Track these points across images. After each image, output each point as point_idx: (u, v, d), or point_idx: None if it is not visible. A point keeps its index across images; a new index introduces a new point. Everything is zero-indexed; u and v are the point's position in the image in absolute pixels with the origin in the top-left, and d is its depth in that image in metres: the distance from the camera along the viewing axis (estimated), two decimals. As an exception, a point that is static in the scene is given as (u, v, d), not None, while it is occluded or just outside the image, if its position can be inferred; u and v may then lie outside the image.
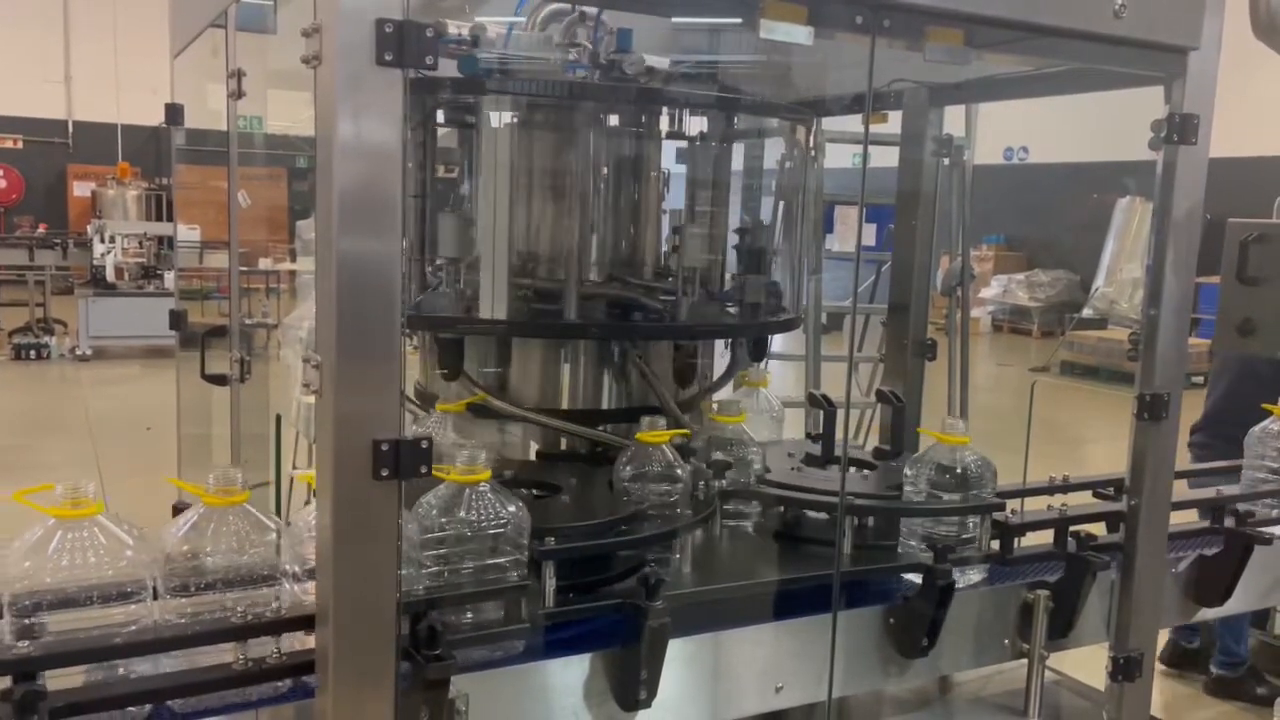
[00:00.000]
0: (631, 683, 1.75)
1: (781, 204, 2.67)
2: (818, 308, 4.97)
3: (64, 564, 1.50)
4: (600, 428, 2.32)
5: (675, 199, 2.46)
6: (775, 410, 2.62)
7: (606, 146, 2.33)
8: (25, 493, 1.54)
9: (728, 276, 2.49)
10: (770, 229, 2.58)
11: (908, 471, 2.21)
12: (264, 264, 10.17)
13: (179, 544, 1.59)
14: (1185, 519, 2.48)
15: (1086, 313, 13.62)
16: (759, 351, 2.55)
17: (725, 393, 2.58)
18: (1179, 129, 2.05)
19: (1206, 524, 2.55)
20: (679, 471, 2.02)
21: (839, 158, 4.02)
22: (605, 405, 2.38)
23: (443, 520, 1.63)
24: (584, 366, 2.38)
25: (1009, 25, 1.88)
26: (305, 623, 1.57)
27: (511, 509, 1.67)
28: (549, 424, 2.31)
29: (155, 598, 1.56)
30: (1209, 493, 2.65)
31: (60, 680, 1.46)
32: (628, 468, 2.02)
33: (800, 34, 1.70)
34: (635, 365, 2.32)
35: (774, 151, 2.60)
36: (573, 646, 1.77)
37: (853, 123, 3.25)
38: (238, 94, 2.57)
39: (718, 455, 2.24)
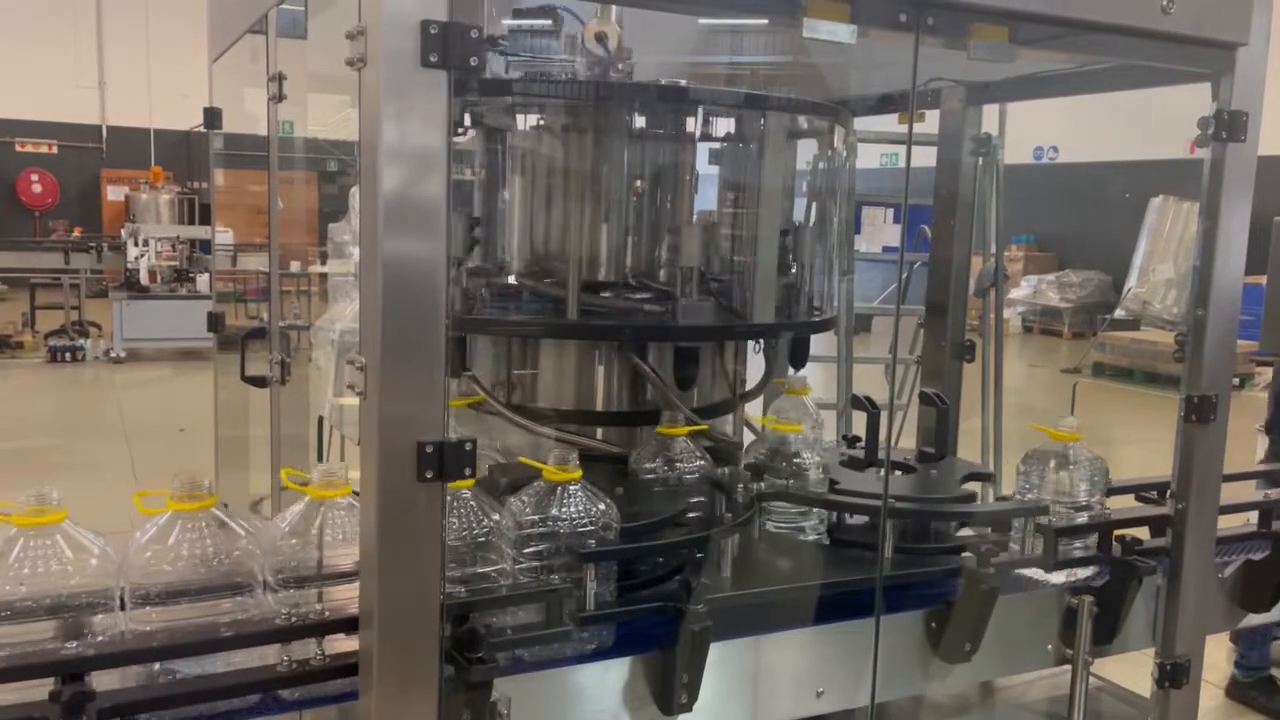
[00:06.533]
0: (672, 686, 1.74)
1: (815, 205, 2.64)
2: (850, 309, 4.93)
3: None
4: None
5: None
6: (816, 418, 2.57)
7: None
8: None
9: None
10: (805, 230, 2.55)
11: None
12: (294, 266, 10.22)
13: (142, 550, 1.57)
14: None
15: (1119, 314, 13.45)
16: (800, 358, 2.52)
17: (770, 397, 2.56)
18: (1228, 126, 2.02)
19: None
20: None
21: (865, 158, 3.97)
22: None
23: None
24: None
25: (1055, 21, 1.85)
26: (348, 624, 1.57)
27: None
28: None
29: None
30: (1257, 496, 2.60)
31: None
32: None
33: (843, 33, 1.68)
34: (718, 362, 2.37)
35: (813, 152, 2.57)
36: (613, 650, 1.77)
37: (877, 122, 3.21)
38: (279, 97, 2.58)
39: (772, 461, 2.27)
